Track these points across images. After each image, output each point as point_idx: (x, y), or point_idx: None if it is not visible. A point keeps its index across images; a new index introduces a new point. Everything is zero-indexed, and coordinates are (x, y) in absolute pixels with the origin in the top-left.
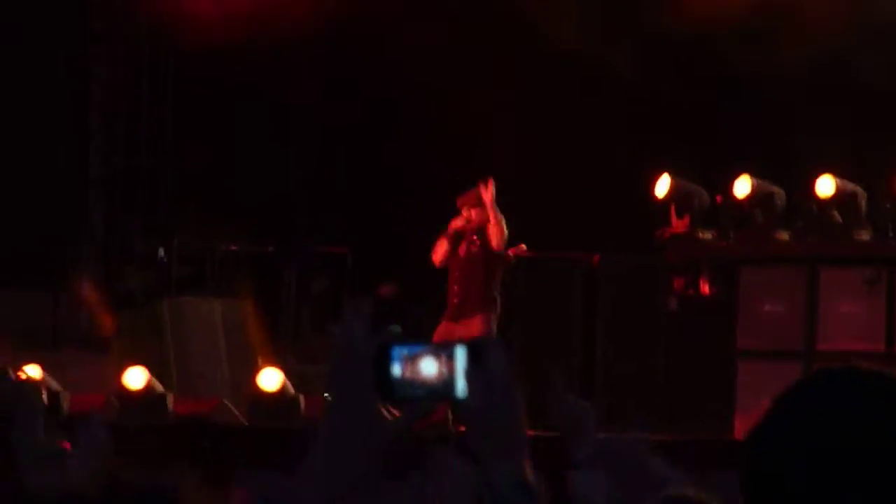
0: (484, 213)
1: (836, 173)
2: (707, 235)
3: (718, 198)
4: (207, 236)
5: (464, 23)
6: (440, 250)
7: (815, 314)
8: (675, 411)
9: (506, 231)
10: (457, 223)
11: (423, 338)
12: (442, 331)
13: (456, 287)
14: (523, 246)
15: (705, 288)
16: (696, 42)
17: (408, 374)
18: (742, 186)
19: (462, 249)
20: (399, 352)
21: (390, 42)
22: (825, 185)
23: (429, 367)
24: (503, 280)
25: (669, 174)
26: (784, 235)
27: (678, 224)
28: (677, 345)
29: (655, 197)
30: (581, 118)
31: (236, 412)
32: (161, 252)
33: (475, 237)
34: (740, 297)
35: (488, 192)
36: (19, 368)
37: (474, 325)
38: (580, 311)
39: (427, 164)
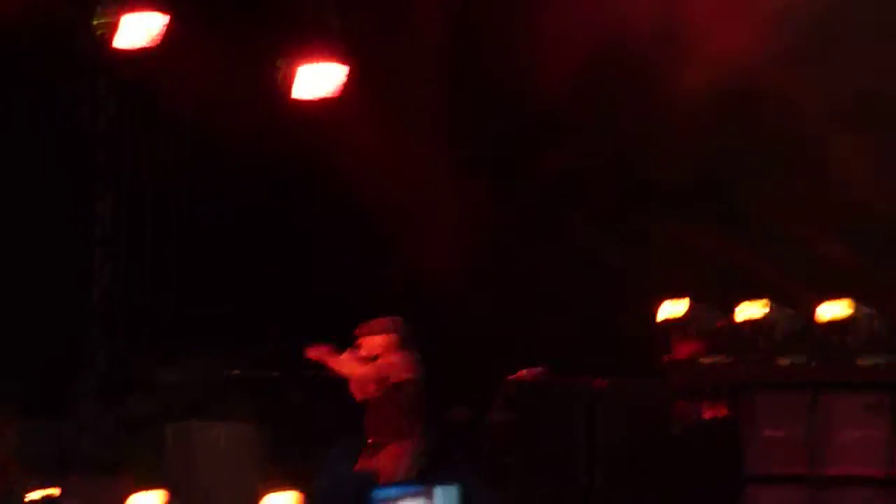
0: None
1: (842, 296)
2: (711, 360)
3: (719, 323)
4: (211, 362)
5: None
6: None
7: (821, 438)
8: None
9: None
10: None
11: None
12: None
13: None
14: (523, 372)
15: (709, 412)
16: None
17: None
18: (746, 311)
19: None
20: (379, 494)
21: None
22: (830, 310)
23: None
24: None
25: (675, 298)
26: (787, 360)
27: (682, 348)
28: (682, 470)
29: (660, 321)
30: (580, 242)
31: None
32: (165, 376)
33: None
34: (744, 421)
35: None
36: (30, 490)
37: (387, 459)
38: (582, 437)
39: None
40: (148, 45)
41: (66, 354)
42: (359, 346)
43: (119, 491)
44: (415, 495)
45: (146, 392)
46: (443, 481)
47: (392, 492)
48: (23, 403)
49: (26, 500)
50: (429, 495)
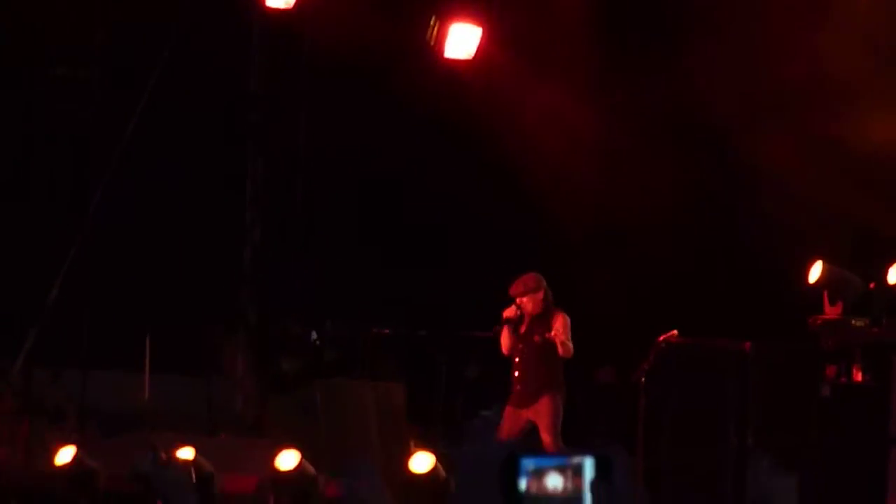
0: (536, 301)
1: None
2: (860, 322)
3: (872, 285)
4: (359, 320)
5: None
6: (506, 341)
7: None
8: (828, 499)
9: (571, 351)
10: (510, 312)
11: None
12: (508, 415)
13: (518, 373)
14: (675, 332)
15: (858, 375)
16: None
17: (534, 489)
18: (895, 273)
19: (521, 337)
20: (526, 465)
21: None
22: None
23: (555, 481)
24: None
25: (822, 261)
26: None
27: (831, 311)
28: (830, 432)
29: (808, 283)
30: (734, 206)
31: (389, 495)
32: (314, 335)
33: (534, 326)
34: (894, 384)
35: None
36: (174, 449)
37: (541, 409)
38: (733, 399)
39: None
40: (300, 4)
41: (219, 312)
42: (520, 304)
43: (267, 448)
44: (562, 467)
45: (295, 351)
46: (592, 453)
47: (540, 461)
48: (177, 359)
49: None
50: (577, 469)
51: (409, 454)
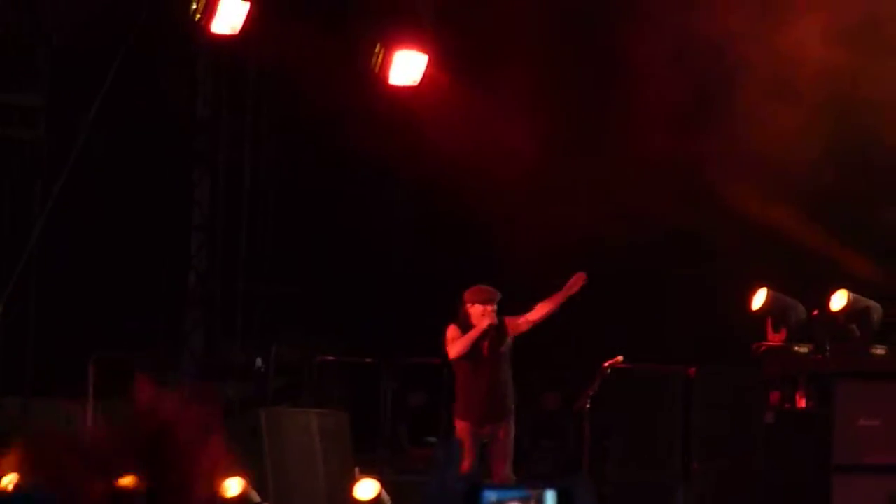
0: (495, 311)
1: None
2: (803, 349)
3: (815, 312)
4: (305, 347)
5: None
6: (466, 345)
7: None
8: None
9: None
10: (483, 322)
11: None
12: (469, 434)
13: (486, 388)
14: (620, 358)
15: (802, 402)
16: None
17: None
18: (838, 301)
19: (485, 350)
20: (488, 496)
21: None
22: None
23: None
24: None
25: (766, 287)
26: (880, 350)
27: (774, 337)
28: (774, 458)
29: (752, 310)
30: (678, 229)
31: None
32: (259, 362)
33: (501, 337)
34: (837, 411)
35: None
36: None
37: (502, 435)
38: (677, 424)
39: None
40: (245, 30)
41: (163, 339)
42: (467, 314)
43: None
44: (524, 499)
45: (240, 377)
46: (552, 485)
47: (502, 494)
48: (120, 386)
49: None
50: (539, 499)
51: (353, 481)
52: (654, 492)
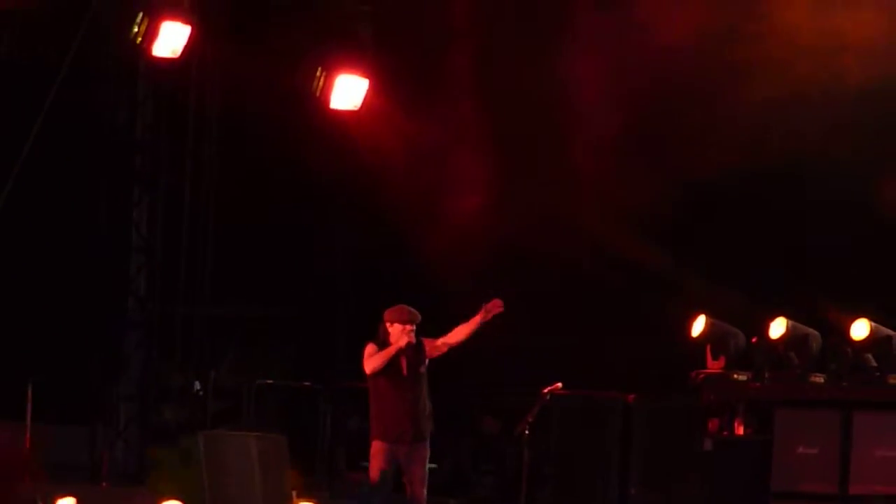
0: (414, 331)
1: (871, 318)
2: (742, 377)
3: (754, 339)
4: (244, 370)
5: None
6: (381, 361)
7: (849, 457)
8: None
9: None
10: (402, 341)
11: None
12: (384, 453)
13: (408, 407)
14: (559, 384)
15: (740, 429)
16: (730, 183)
17: None
18: (777, 328)
19: (404, 368)
20: None
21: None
22: (860, 329)
23: None
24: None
25: (705, 315)
26: (819, 378)
27: (713, 365)
28: (712, 485)
29: (691, 337)
30: (617, 258)
31: None
32: (197, 385)
33: (419, 357)
34: (775, 438)
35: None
36: (54, 500)
37: (420, 457)
38: (615, 451)
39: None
40: (184, 53)
41: (102, 361)
42: (386, 333)
43: (147, 500)
44: None
45: (179, 400)
46: None
47: None
48: (59, 409)
49: None
50: None
51: None
52: None
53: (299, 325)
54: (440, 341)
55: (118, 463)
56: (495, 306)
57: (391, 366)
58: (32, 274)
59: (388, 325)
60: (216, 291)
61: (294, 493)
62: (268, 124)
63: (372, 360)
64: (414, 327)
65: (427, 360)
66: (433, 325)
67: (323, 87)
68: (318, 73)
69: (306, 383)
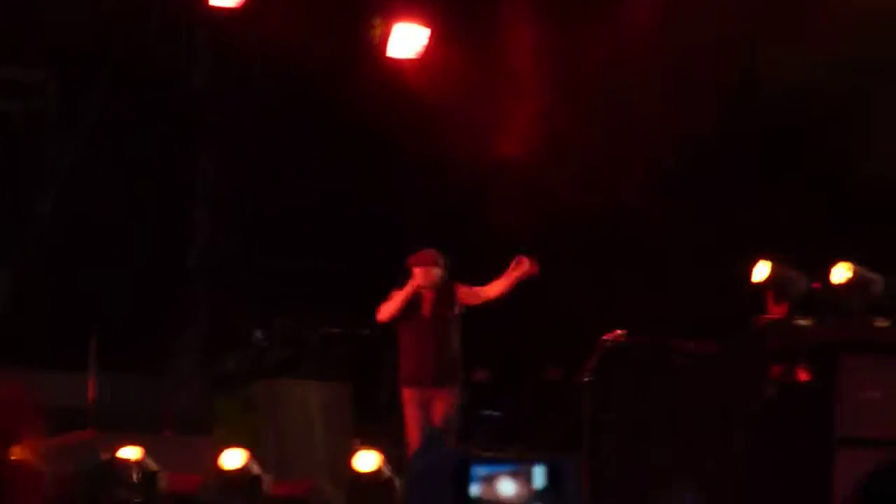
0: (438, 276)
1: None
2: (805, 322)
3: (816, 284)
4: (307, 319)
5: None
6: (395, 307)
7: None
8: (774, 499)
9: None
10: (414, 282)
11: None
12: (414, 399)
13: (430, 351)
14: (621, 331)
15: (803, 375)
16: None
17: (486, 495)
18: (840, 273)
19: (426, 311)
20: (478, 471)
21: None
22: None
23: (507, 487)
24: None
25: (767, 260)
26: (883, 323)
27: (776, 310)
28: (775, 432)
29: (753, 283)
30: (679, 202)
31: (332, 493)
32: (259, 334)
33: (440, 300)
34: (839, 384)
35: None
36: (118, 449)
37: (444, 400)
38: (679, 398)
39: None
40: (244, 3)
41: (166, 311)
42: (413, 276)
43: (211, 448)
44: (513, 473)
45: (242, 350)
46: (543, 461)
47: (491, 469)
48: (122, 359)
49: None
50: (528, 475)
51: (353, 453)
52: (655, 467)
53: (361, 275)
54: (476, 290)
55: (182, 412)
56: (527, 267)
57: (413, 309)
58: (96, 225)
59: (413, 269)
60: (279, 241)
61: (357, 442)
62: (326, 74)
63: (383, 305)
64: (435, 270)
65: (459, 305)
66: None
67: (381, 35)
68: (376, 22)
69: (367, 332)
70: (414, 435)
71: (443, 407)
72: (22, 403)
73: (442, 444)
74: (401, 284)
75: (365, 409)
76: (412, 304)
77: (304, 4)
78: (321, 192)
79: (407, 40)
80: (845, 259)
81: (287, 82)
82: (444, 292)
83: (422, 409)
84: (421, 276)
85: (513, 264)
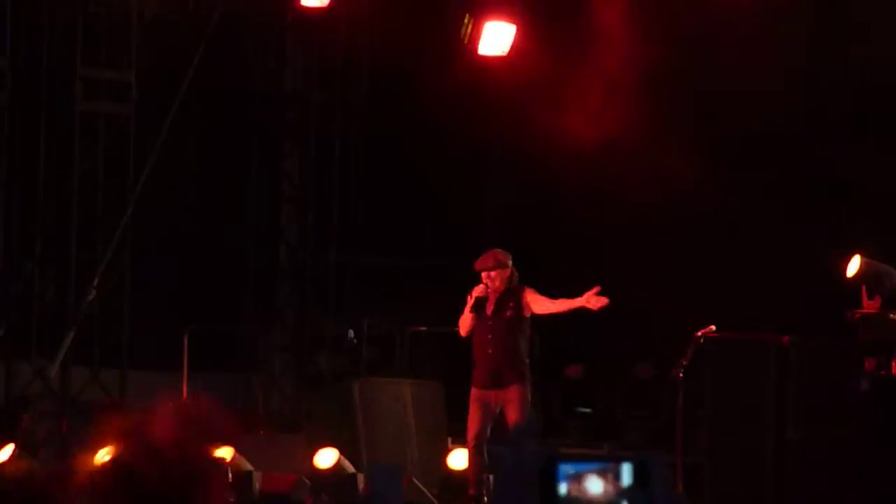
0: (504, 278)
1: None
2: None
3: None
4: (397, 318)
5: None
6: (468, 321)
7: None
8: (868, 493)
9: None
10: (480, 291)
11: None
12: (477, 399)
13: (490, 351)
14: (713, 327)
15: None
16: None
17: (574, 493)
18: None
19: (488, 311)
20: (565, 469)
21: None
22: None
23: (594, 486)
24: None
25: (860, 255)
26: None
27: (869, 304)
28: (870, 426)
29: (846, 277)
30: (771, 198)
31: (426, 492)
32: (351, 334)
33: (503, 303)
34: None
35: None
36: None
37: (512, 396)
38: (771, 393)
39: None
40: (332, 3)
41: (257, 311)
42: (489, 280)
43: (303, 447)
44: (601, 471)
45: (333, 349)
46: (630, 459)
47: (579, 467)
48: (214, 358)
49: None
50: (616, 472)
51: (447, 451)
52: (748, 462)
53: (448, 273)
54: (543, 300)
55: (274, 412)
56: (598, 300)
57: (480, 309)
58: (187, 225)
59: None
60: (367, 240)
61: (449, 440)
62: (415, 73)
63: (460, 320)
64: (494, 273)
65: (522, 308)
66: (587, 277)
67: (471, 33)
68: (465, 20)
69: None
70: (469, 433)
71: (513, 408)
72: (215, 405)
73: (527, 442)
74: (469, 289)
75: (456, 407)
76: (479, 304)
77: (393, 4)
78: (407, 191)
79: (497, 37)
80: None
81: (377, 82)
82: (509, 294)
83: (483, 409)
84: (484, 280)
85: (587, 295)
